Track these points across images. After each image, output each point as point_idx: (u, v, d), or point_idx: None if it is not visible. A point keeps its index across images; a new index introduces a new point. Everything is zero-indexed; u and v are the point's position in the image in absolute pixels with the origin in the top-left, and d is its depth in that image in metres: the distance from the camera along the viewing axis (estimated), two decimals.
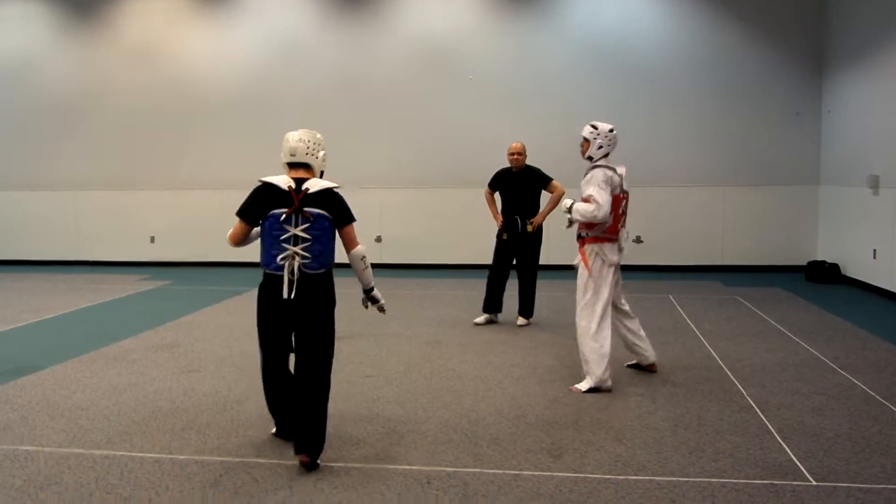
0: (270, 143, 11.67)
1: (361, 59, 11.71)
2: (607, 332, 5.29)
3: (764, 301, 8.64)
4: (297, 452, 3.92)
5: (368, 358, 6.20)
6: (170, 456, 4.09)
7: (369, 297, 4.42)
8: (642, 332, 5.64)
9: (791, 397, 5.05)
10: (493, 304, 7.53)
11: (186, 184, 12.24)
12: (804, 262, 10.75)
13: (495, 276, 7.51)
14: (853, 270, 9.83)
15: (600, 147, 5.37)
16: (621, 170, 5.44)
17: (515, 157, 7.34)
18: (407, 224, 11.75)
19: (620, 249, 5.44)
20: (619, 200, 5.36)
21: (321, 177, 4.30)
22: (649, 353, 5.64)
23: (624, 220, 5.44)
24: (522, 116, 11.25)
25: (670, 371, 5.73)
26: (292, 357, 4.17)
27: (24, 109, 12.56)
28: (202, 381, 5.54)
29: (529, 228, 7.33)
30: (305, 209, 4.00)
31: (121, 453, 4.13)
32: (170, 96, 12.16)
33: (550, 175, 7.46)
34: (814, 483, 3.69)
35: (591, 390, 5.23)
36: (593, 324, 5.27)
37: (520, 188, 7.40)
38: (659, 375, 5.61)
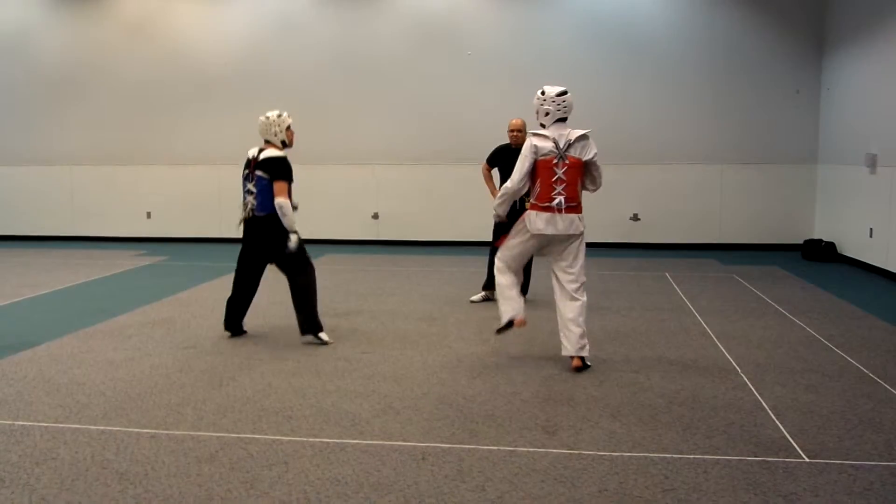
0: None
1: (359, 34, 11.62)
2: (506, 273, 5.39)
3: (760, 279, 8.65)
4: (302, 334, 5.90)
5: (364, 334, 6.21)
6: (166, 431, 4.10)
7: (289, 237, 5.77)
8: (569, 324, 5.17)
9: (785, 375, 5.07)
10: (493, 283, 7.52)
11: (183, 159, 12.18)
12: (801, 241, 10.75)
13: (494, 254, 7.50)
14: (850, 249, 9.84)
15: (547, 113, 5.19)
16: (573, 133, 5.15)
17: (516, 133, 7.27)
18: (404, 201, 11.72)
19: (554, 219, 5.13)
20: (548, 166, 5.11)
21: (283, 146, 5.94)
22: (566, 344, 5.19)
23: (562, 189, 5.10)
24: (521, 93, 11.08)
25: (665, 348, 5.75)
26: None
27: (20, 83, 12.46)
28: (198, 357, 5.55)
29: (527, 205, 7.27)
30: (255, 171, 5.78)
31: (117, 429, 4.14)
32: (167, 71, 12.07)
33: None
34: (806, 460, 3.71)
35: (502, 328, 5.40)
36: (499, 263, 5.43)
37: None
38: (654, 352, 5.63)
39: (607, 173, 11.56)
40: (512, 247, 5.39)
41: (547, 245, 5.28)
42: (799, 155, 10.98)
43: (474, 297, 7.54)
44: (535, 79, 11.15)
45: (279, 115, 5.95)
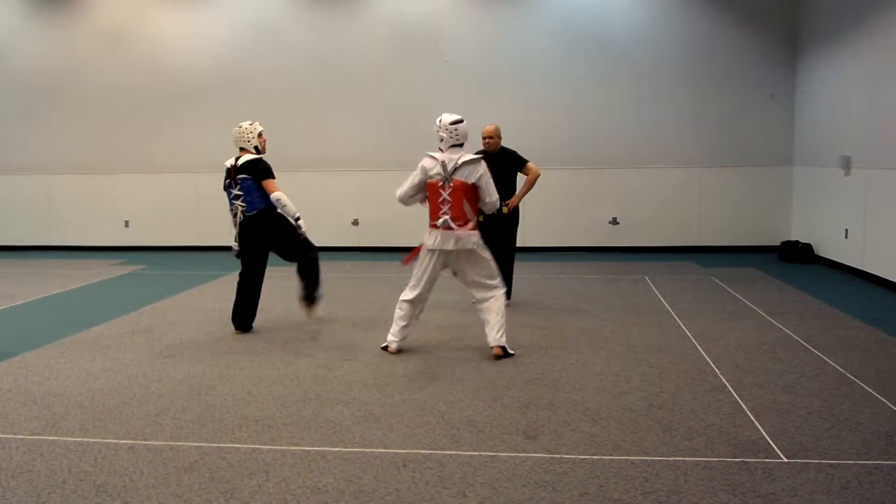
0: None
1: (336, 41, 11.60)
2: (403, 303, 5.79)
3: (738, 281, 8.72)
4: (303, 300, 6.56)
5: (345, 342, 6.19)
6: (144, 442, 4.06)
7: (295, 225, 6.36)
8: (488, 318, 5.65)
9: (764, 376, 5.11)
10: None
11: (160, 167, 12.10)
12: (778, 243, 10.86)
13: None
14: (825, 250, 9.94)
15: (441, 139, 5.59)
16: (463, 158, 5.54)
17: (489, 140, 7.32)
18: (384, 207, 11.66)
19: (442, 236, 5.54)
20: (434, 188, 5.55)
21: (257, 151, 6.42)
22: (490, 338, 5.64)
23: (448, 209, 5.51)
24: (500, 98, 11.22)
25: (645, 351, 5.77)
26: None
27: None
28: (177, 367, 5.51)
29: (505, 210, 7.32)
30: (237, 176, 6.30)
31: (94, 440, 4.10)
32: (143, 78, 11.98)
33: (526, 157, 7.45)
34: (785, 460, 3.74)
35: (383, 347, 5.89)
36: (405, 291, 5.83)
37: (495, 171, 7.35)
38: (634, 355, 5.66)
39: (586, 177, 11.74)
40: (419, 271, 5.75)
41: (447, 260, 5.69)
42: (775, 157, 11.09)
43: (473, 299, 7.53)
44: (513, 84, 11.31)
45: (251, 124, 6.45)
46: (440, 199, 5.54)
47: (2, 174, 12.42)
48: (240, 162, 6.34)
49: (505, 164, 7.34)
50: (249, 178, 6.27)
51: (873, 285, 8.42)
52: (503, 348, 5.61)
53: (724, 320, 6.79)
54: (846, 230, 9.25)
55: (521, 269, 7.98)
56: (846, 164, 9.16)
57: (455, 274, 5.85)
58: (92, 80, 12.10)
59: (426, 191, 5.66)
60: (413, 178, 5.66)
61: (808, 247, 10.28)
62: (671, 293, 8.06)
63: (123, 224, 12.27)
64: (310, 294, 6.57)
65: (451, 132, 5.55)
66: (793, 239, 10.73)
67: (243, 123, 6.45)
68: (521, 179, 7.45)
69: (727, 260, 10.41)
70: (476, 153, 7.51)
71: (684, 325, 6.65)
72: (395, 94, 11.54)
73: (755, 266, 9.85)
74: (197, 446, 3.99)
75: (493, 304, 5.63)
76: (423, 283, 5.73)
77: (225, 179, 6.42)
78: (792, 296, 7.90)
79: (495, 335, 5.60)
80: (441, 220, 5.53)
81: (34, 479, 3.61)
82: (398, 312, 5.82)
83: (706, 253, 11.06)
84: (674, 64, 11.11)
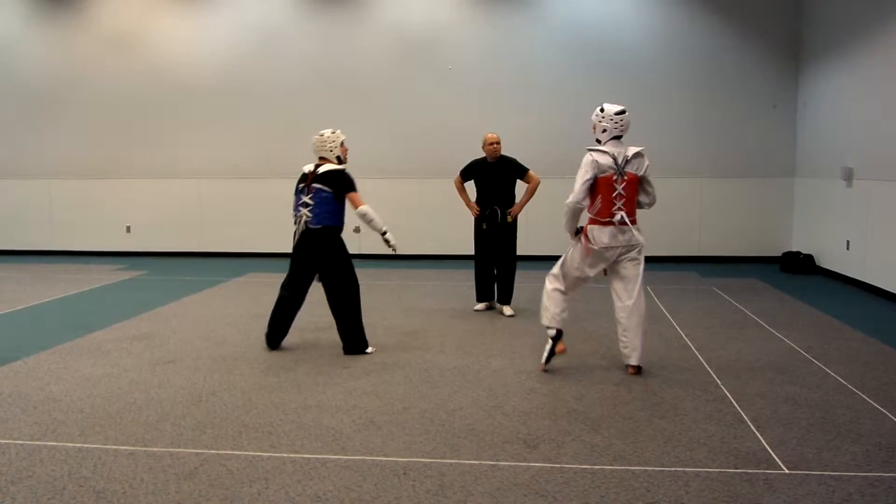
0: (247, 132, 11.69)
1: (340, 48, 11.63)
2: (552, 291, 5.51)
3: (740, 292, 8.71)
4: (345, 353, 5.97)
5: None
6: (144, 448, 4.06)
7: (384, 240, 6.14)
8: (628, 331, 5.39)
9: (765, 387, 5.10)
10: (485, 293, 7.63)
11: (163, 173, 12.11)
12: (779, 254, 10.85)
13: (481, 265, 7.65)
14: (827, 261, 9.94)
15: (605, 130, 5.36)
16: (630, 150, 5.33)
17: (494, 146, 7.36)
18: (386, 214, 11.60)
19: (616, 232, 5.28)
20: (608, 182, 5.25)
21: (339, 162, 6.10)
22: (627, 353, 5.43)
23: (622, 204, 5.27)
24: (502, 107, 11.24)
25: (646, 362, 5.75)
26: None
27: None
28: (177, 373, 5.50)
29: (509, 219, 7.37)
30: (313, 185, 5.93)
31: (94, 446, 4.09)
32: (146, 84, 12.01)
33: (527, 165, 7.49)
34: (786, 471, 3.73)
35: (552, 348, 5.50)
36: (548, 278, 5.57)
37: (497, 178, 7.43)
38: None
39: None
40: (574, 269, 5.43)
41: (610, 259, 5.39)
42: (777, 169, 11.10)
43: (477, 307, 7.69)
44: (515, 93, 11.33)
45: (333, 132, 6.15)
46: (614, 194, 5.26)
47: (3, 178, 12.43)
48: (320, 170, 5.97)
49: (505, 171, 7.42)
50: (327, 191, 5.90)
51: (874, 296, 8.41)
52: (638, 367, 5.42)
53: (725, 331, 6.79)
54: (847, 241, 9.24)
55: (522, 277, 7.97)
56: (848, 176, 9.17)
57: (605, 273, 5.53)
58: (94, 86, 12.12)
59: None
60: (584, 176, 5.24)
61: (809, 258, 10.27)
62: (672, 303, 8.05)
63: (125, 229, 12.27)
64: (350, 346, 6.03)
65: (617, 122, 5.32)
66: (794, 250, 10.73)
67: (325, 131, 6.14)
68: (519, 187, 7.47)
69: (729, 270, 10.40)
70: (475, 160, 7.58)
71: (686, 334, 6.64)
72: (396, 102, 11.56)
73: (757, 277, 9.85)
74: (197, 453, 3.99)
75: (636, 317, 5.34)
76: (574, 286, 5.49)
77: (298, 183, 6.05)
78: (793, 307, 7.90)
79: (637, 355, 5.38)
80: (617, 217, 5.25)
81: (34, 484, 3.60)
82: (561, 303, 5.47)
83: (708, 263, 11.05)
84: (676, 75, 11.13)
